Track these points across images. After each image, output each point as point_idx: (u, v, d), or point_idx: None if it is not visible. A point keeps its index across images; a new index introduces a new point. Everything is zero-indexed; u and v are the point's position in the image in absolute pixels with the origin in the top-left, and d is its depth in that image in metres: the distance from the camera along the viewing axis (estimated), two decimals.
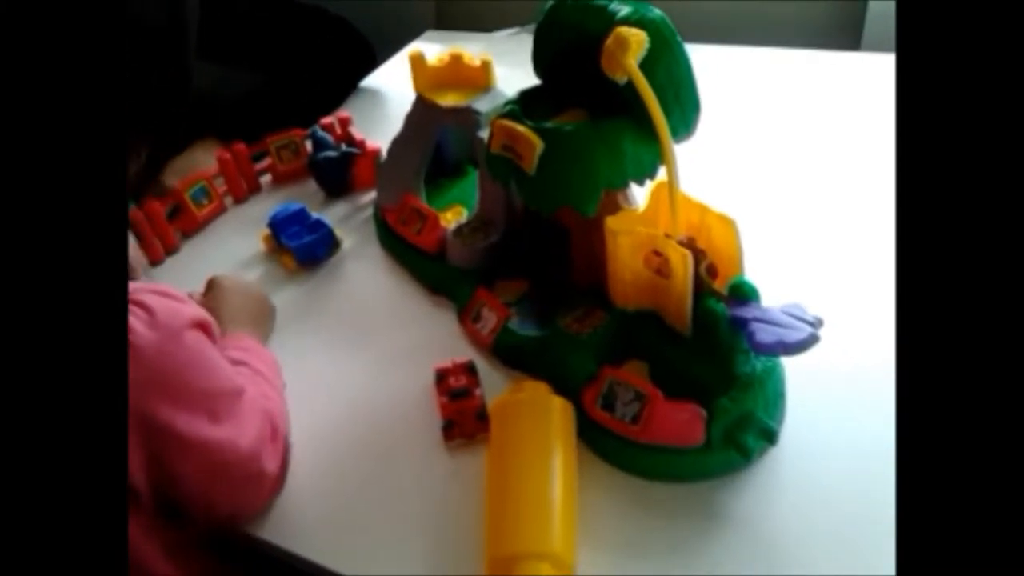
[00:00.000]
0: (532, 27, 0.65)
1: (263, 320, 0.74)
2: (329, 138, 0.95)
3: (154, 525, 0.56)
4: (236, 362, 0.62)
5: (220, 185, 0.94)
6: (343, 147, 0.94)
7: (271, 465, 0.57)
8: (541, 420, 0.55)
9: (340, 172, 0.94)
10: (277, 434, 0.59)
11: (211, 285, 0.74)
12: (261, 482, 0.57)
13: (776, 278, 0.62)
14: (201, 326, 0.55)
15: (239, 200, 0.96)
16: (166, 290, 0.54)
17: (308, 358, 0.72)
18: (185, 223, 0.89)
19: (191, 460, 0.53)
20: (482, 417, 0.60)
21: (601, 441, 0.58)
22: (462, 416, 0.61)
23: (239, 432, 0.55)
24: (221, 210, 0.93)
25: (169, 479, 0.53)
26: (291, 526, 0.57)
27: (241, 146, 0.94)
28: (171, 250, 0.87)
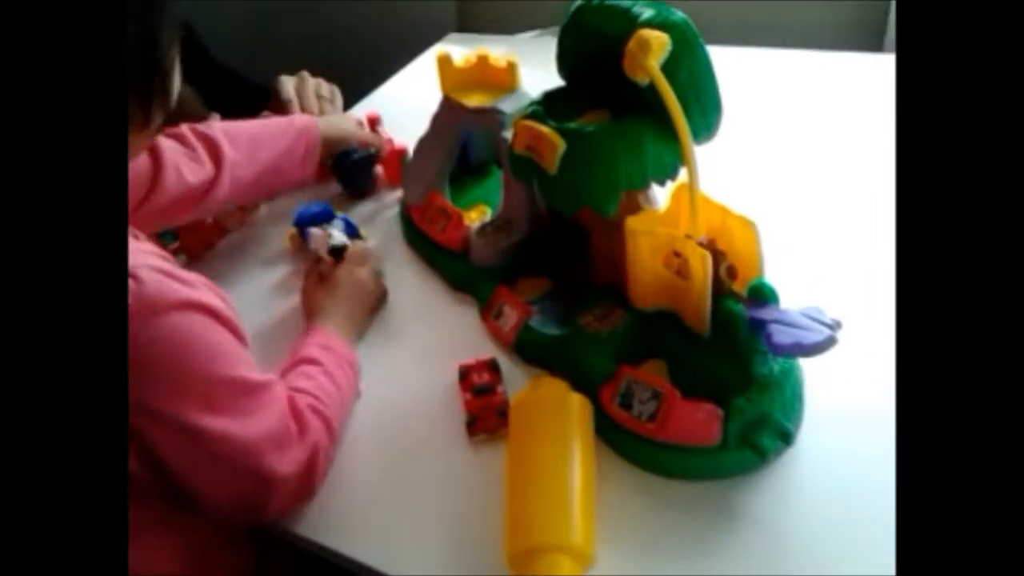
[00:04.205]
0: (554, 29, 0.66)
1: (363, 315, 0.75)
2: None
3: (164, 520, 0.55)
4: (309, 360, 0.63)
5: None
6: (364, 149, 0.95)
7: (282, 467, 0.54)
8: (560, 416, 0.56)
9: (362, 173, 0.95)
10: (302, 437, 0.56)
11: (327, 275, 0.75)
12: (267, 484, 0.54)
13: (796, 281, 0.62)
14: (200, 309, 0.51)
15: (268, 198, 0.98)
16: (167, 267, 0.51)
17: None
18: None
19: (180, 447, 0.51)
20: (504, 413, 0.61)
21: (618, 438, 0.59)
22: (485, 412, 0.62)
23: (241, 425, 0.52)
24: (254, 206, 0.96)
25: (166, 468, 0.52)
26: (314, 515, 0.58)
27: None
28: (208, 246, 0.90)
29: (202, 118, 0.96)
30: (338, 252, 0.76)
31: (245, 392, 0.53)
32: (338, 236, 0.78)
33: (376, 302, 0.77)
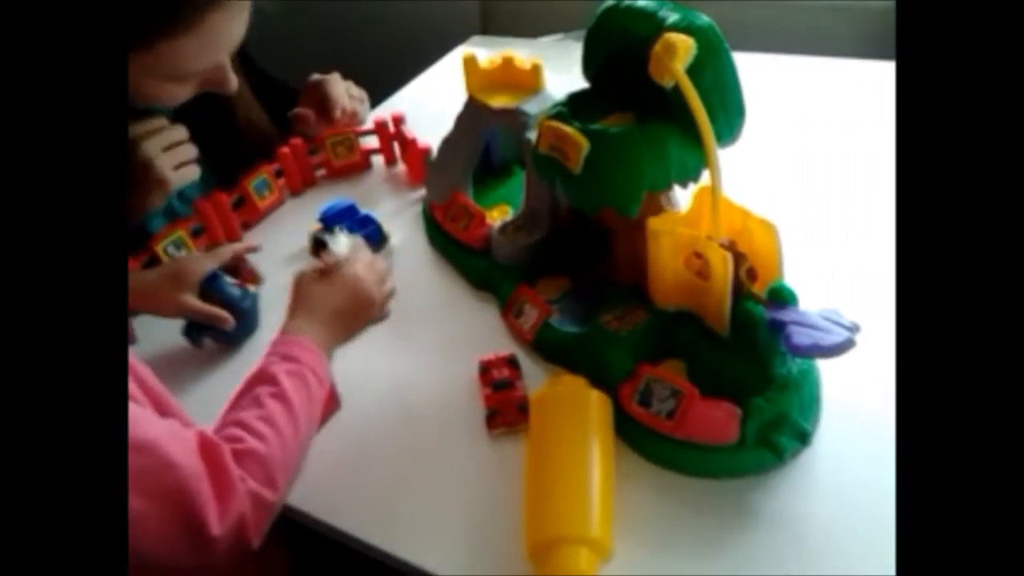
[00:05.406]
0: (577, 34, 0.67)
1: (352, 321, 0.67)
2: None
3: None
4: (264, 379, 0.57)
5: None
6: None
7: (209, 528, 0.48)
8: (579, 412, 0.57)
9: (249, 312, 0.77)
10: (224, 494, 0.49)
11: (329, 273, 0.67)
12: (198, 544, 0.48)
13: (815, 284, 0.62)
14: None
15: (295, 193, 1.00)
16: None
17: (357, 348, 0.74)
18: (248, 213, 0.93)
19: None
20: (524, 409, 0.62)
21: (637, 436, 0.59)
22: (505, 406, 0.63)
23: (158, 503, 0.47)
24: (280, 202, 0.98)
25: None
26: (340, 504, 0.60)
27: (298, 141, 0.98)
28: (232, 239, 0.91)
29: (272, 136, 0.98)
30: (318, 243, 0.71)
31: (138, 454, 0.46)
32: (335, 237, 0.71)
33: (372, 313, 0.69)
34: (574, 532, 0.51)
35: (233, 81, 0.76)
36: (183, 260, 0.78)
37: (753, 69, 0.66)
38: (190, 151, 0.79)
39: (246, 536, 0.51)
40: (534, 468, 0.56)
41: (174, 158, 0.78)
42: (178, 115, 0.79)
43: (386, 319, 0.73)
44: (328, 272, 0.67)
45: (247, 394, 0.57)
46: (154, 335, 0.77)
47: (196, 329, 0.74)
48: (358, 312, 0.68)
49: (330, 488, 0.61)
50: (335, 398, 0.63)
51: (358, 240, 0.73)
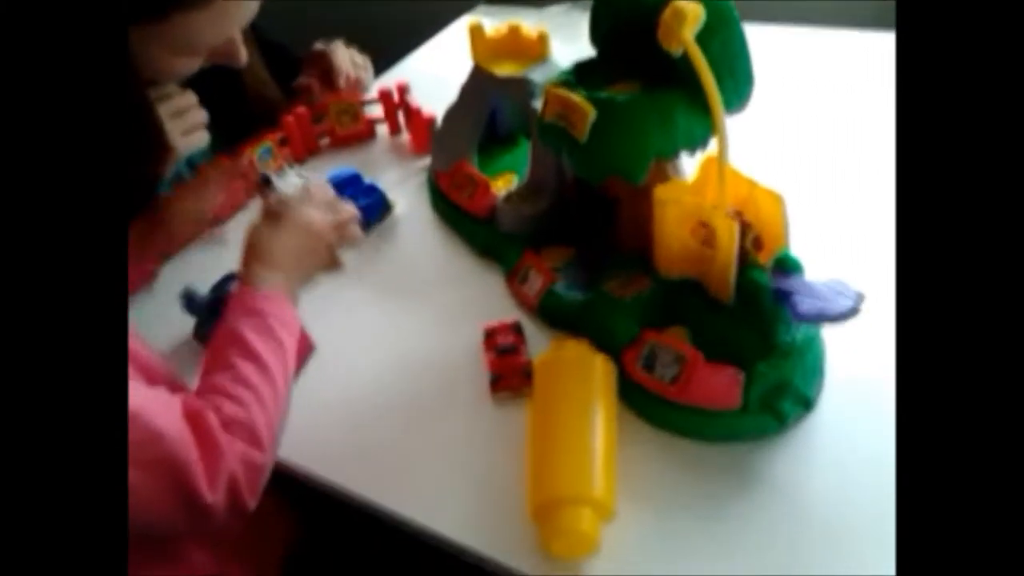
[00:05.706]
0: (584, 3, 0.67)
1: (310, 262, 0.65)
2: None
3: None
4: (231, 339, 0.56)
5: None
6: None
7: (202, 497, 0.48)
8: (583, 375, 0.58)
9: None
10: (212, 461, 0.49)
11: (276, 215, 0.64)
12: (195, 513, 0.49)
13: (821, 255, 0.62)
14: None
15: (299, 161, 1.00)
16: None
17: (362, 315, 0.75)
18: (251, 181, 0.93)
19: None
20: (528, 374, 0.63)
21: (640, 400, 0.60)
22: (509, 371, 0.64)
23: (145, 473, 0.47)
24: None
25: None
26: (346, 466, 0.61)
27: (303, 109, 0.98)
28: (236, 207, 0.91)
29: (280, 105, 0.98)
30: (265, 182, 0.71)
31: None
32: (284, 176, 0.71)
33: (327, 253, 0.66)
34: (577, 493, 0.51)
35: (243, 55, 0.76)
36: None
37: (760, 40, 0.66)
38: (200, 115, 0.79)
39: (240, 499, 0.51)
40: (538, 430, 0.57)
41: (182, 124, 0.78)
42: (187, 83, 0.79)
43: (340, 269, 0.68)
44: (276, 214, 0.64)
45: (218, 358, 0.56)
46: (164, 315, 0.76)
47: (207, 322, 0.72)
48: (313, 253, 0.65)
49: (336, 450, 0.62)
50: (307, 341, 0.62)
51: (312, 180, 0.71)
